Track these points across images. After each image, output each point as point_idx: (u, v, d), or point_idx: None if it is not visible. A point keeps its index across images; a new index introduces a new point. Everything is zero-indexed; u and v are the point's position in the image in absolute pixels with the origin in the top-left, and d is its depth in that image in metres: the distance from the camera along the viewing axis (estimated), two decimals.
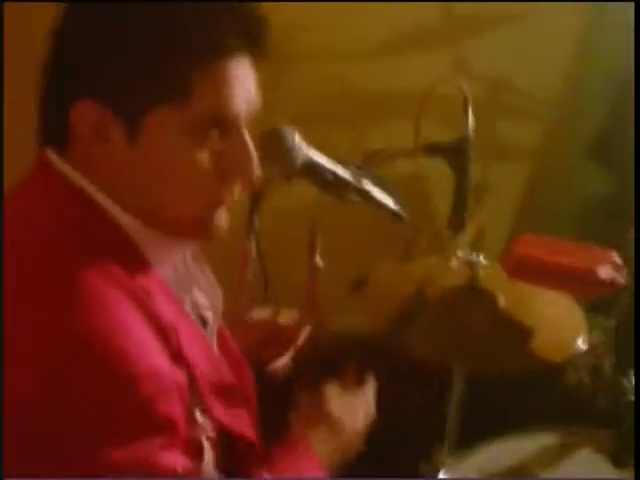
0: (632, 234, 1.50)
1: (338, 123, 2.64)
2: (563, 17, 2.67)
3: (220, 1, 1.01)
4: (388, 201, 1.23)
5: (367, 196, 1.21)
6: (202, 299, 1.21)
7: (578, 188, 2.91)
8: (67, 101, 1.00)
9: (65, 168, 1.04)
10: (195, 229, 1.08)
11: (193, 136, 1.00)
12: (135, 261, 1.05)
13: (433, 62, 2.62)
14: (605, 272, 1.56)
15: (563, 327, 1.57)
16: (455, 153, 1.56)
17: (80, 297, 0.95)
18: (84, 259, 0.99)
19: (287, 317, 1.41)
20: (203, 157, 1.01)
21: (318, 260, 1.51)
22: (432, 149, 1.58)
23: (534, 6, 2.61)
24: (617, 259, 1.56)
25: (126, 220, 1.04)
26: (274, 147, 1.12)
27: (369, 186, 1.20)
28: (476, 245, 1.60)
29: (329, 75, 2.56)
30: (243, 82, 1.02)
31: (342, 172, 1.19)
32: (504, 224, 2.90)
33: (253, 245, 1.33)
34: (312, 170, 1.16)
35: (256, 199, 1.23)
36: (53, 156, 1.05)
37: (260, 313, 1.39)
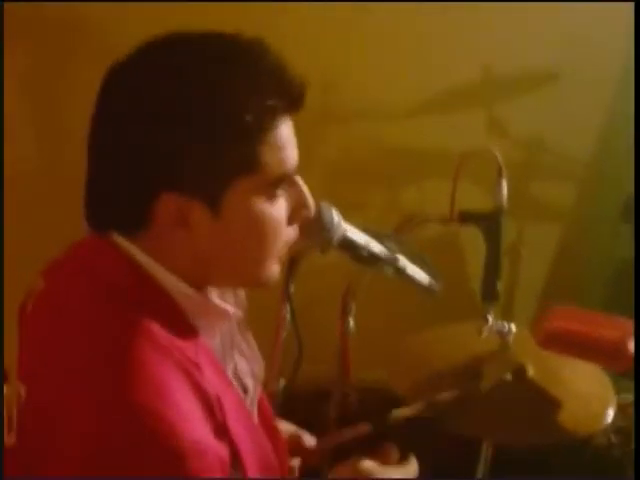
0: None
1: (373, 182, 2.68)
2: (597, 77, 2.70)
3: (263, 66, 1.05)
4: (421, 276, 1.25)
5: (400, 271, 1.23)
6: (244, 365, 1.23)
7: (610, 250, 2.92)
8: (147, 195, 1.04)
9: (132, 248, 1.07)
10: (264, 281, 1.14)
11: (267, 195, 1.07)
12: (184, 331, 1.07)
13: (469, 122, 2.65)
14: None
15: (592, 399, 1.57)
16: (489, 223, 1.57)
17: (132, 368, 0.98)
18: (136, 328, 1.01)
19: (308, 441, 1.43)
20: (278, 210, 1.09)
21: (351, 323, 1.53)
22: (466, 217, 1.60)
23: (568, 65, 2.64)
24: None
25: (179, 289, 1.08)
26: (312, 222, 1.15)
27: (403, 261, 1.23)
28: (507, 314, 1.60)
29: (364, 134, 2.60)
30: (292, 139, 1.09)
31: (376, 248, 1.22)
32: (537, 284, 2.90)
33: (288, 309, 1.35)
34: (347, 245, 1.19)
35: (292, 265, 1.25)
36: (120, 239, 1.08)
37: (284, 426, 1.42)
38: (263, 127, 1.04)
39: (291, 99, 1.06)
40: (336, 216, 1.16)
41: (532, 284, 2.85)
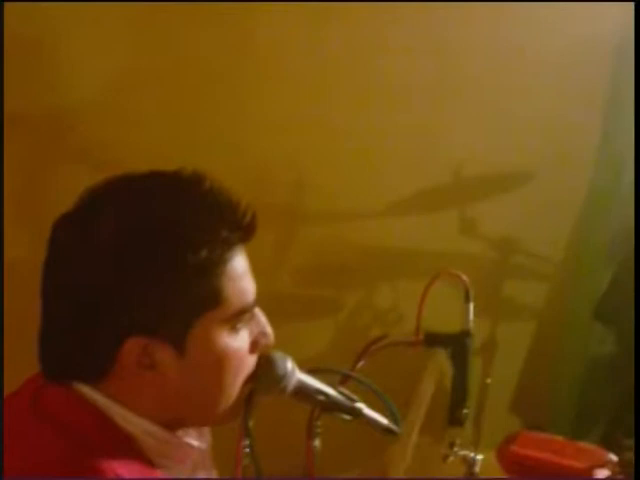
0: (630, 442, 1.49)
1: (346, 282, 2.67)
2: (570, 178, 2.73)
3: (209, 200, 1.06)
4: (379, 417, 1.24)
5: (358, 414, 1.22)
6: None
7: (582, 349, 2.92)
8: (111, 344, 1.03)
9: (93, 395, 1.06)
10: (234, 411, 1.14)
11: (230, 328, 1.07)
12: (147, 474, 1.06)
13: (441, 222, 2.67)
14: (602, 474, 1.55)
15: None
16: (455, 346, 1.57)
17: None
18: (94, 473, 1.00)
19: None
20: (240, 342, 1.09)
21: (317, 443, 1.51)
22: (432, 340, 1.59)
23: (542, 165, 2.67)
24: (614, 460, 1.55)
25: (144, 429, 1.07)
26: (266, 373, 1.14)
27: (360, 404, 1.22)
28: (474, 441, 1.59)
29: (337, 234, 2.60)
30: (248, 270, 1.09)
31: (333, 393, 1.21)
32: (509, 382, 2.89)
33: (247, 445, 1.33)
34: (303, 392, 1.18)
35: (250, 399, 1.23)
36: (81, 386, 1.06)
37: None
38: (219, 260, 1.04)
39: (242, 229, 1.07)
40: (290, 365, 1.15)
41: (504, 384, 2.84)
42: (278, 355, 1.16)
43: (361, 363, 1.56)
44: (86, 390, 1.06)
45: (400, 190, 2.63)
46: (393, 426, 1.24)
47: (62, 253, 1.05)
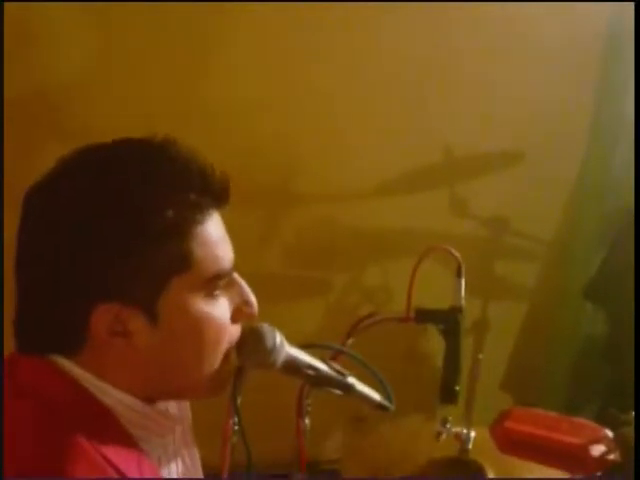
0: (631, 416, 1.46)
1: (335, 263, 2.66)
2: (560, 156, 2.71)
3: (179, 164, 1.04)
4: (371, 393, 1.21)
5: (350, 389, 1.19)
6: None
7: (574, 329, 2.91)
8: (82, 310, 1.01)
9: (70, 366, 1.04)
10: (217, 384, 1.11)
11: (205, 294, 1.05)
12: (125, 447, 1.04)
13: (431, 202, 2.65)
14: (598, 450, 1.52)
15: None
16: (447, 322, 1.55)
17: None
18: (73, 449, 0.98)
19: None
20: (219, 309, 1.07)
21: (307, 422, 1.49)
22: (423, 317, 1.57)
23: (533, 145, 2.65)
24: (610, 437, 1.53)
25: (122, 402, 1.05)
26: (254, 346, 1.11)
27: (351, 380, 1.19)
28: (467, 418, 1.57)
29: (326, 215, 2.59)
30: (224, 236, 1.07)
31: (324, 368, 1.18)
32: (501, 363, 2.88)
33: (235, 422, 1.30)
34: (293, 367, 1.15)
35: (239, 375, 1.20)
36: (58, 358, 1.05)
37: None
38: (188, 222, 1.02)
39: (213, 194, 1.05)
40: (279, 338, 1.13)
41: (496, 363, 2.82)
42: (266, 327, 1.13)
43: (351, 340, 1.54)
44: (61, 361, 1.04)
45: (390, 170, 2.62)
46: (385, 402, 1.22)
47: (30, 222, 1.04)
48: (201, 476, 1.26)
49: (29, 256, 1.04)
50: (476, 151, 2.66)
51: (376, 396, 1.22)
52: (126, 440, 1.05)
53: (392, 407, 1.23)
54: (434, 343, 1.66)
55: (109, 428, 1.04)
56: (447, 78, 2.57)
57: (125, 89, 2.31)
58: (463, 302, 1.55)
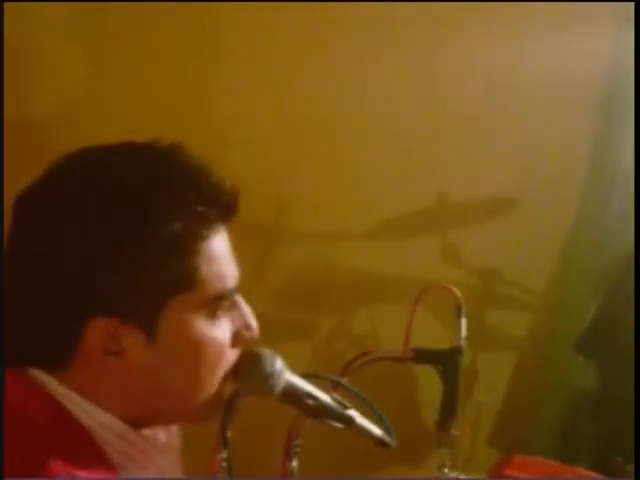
0: (631, 468, 1.42)
1: (324, 305, 2.61)
2: (556, 207, 2.68)
3: (186, 173, 0.99)
4: (372, 427, 1.15)
5: (351, 422, 1.13)
6: None
7: (565, 381, 2.85)
8: (75, 323, 0.95)
9: (53, 385, 0.98)
10: (211, 409, 1.07)
11: (207, 315, 1.00)
12: (103, 473, 0.98)
13: (423, 248, 2.61)
14: None
15: None
16: (446, 363, 1.49)
17: None
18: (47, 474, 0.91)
19: None
20: (220, 331, 1.02)
21: (294, 465, 1.42)
22: (421, 357, 1.51)
23: (527, 194, 2.62)
24: None
25: (106, 425, 0.99)
26: (253, 370, 1.06)
27: (352, 412, 1.13)
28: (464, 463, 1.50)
29: (317, 256, 2.54)
30: (229, 253, 1.02)
31: (325, 398, 1.12)
32: (489, 415, 2.82)
33: (224, 456, 1.23)
34: (292, 395, 1.10)
35: (229, 406, 1.14)
36: (40, 374, 0.98)
37: None
38: (194, 236, 0.97)
39: (221, 206, 1.00)
40: (279, 363, 1.07)
41: (485, 414, 2.76)
42: (265, 351, 1.08)
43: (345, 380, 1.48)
44: (42, 377, 0.98)
45: (382, 214, 2.58)
46: (387, 437, 1.15)
47: (21, 227, 0.98)
48: None
49: (18, 261, 0.98)
50: (470, 198, 2.63)
51: (377, 430, 1.15)
52: (101, 463, 0.99)
53: (393, 442, 1.16)
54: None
55: (84, 450, 0.97)
56: (442, 125, 2.55)
57: (110, 120, 2.27)
58: (463, 343, 1.50)
